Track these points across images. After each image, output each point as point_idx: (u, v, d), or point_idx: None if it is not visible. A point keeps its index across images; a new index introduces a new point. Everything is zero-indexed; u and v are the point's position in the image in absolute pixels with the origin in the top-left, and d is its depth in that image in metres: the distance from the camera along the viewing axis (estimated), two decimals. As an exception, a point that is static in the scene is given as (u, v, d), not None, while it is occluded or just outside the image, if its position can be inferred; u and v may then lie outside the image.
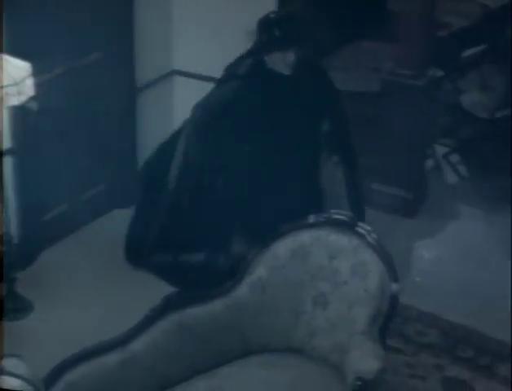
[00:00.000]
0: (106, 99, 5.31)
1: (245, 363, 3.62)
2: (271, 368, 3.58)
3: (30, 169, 4.90)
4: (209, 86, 5.60)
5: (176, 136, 4.37)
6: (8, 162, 4.70)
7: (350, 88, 5.43)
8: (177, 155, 4.26)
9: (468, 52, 6.46)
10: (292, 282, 3.73)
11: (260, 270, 3.74)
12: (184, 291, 3.62)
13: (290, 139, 4.10)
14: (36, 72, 4.29)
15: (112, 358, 3.35)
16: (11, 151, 4.69)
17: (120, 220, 5.42)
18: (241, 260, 3.78)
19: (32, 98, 4.27)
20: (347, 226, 3.74)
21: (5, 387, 2.71)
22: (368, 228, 3.72)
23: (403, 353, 4.47)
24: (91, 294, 4.72)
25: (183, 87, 5.68)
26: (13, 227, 4.73)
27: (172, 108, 5.73)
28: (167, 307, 3.51)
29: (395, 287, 3.61)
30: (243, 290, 3.71)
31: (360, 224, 3.74)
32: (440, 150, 6.33)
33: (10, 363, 2.85)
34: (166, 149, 4.37)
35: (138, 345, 3.41)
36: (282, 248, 3.75)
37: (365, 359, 3.38)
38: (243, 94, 4.09)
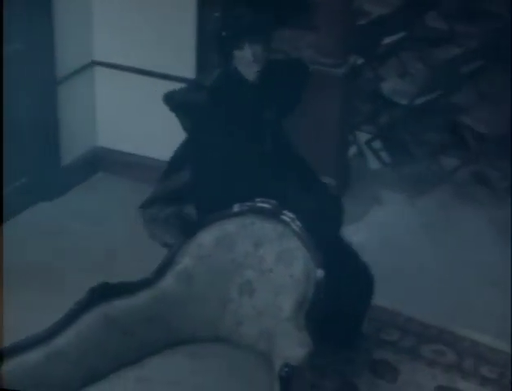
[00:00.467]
0: (26, 91, 5.23)
1: (173, 354, 3.61)
2: (199, 358, 3.59)
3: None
4: (129, 76, 5.59)
5: None
6: None
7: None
8: None
9: (387, 40, 6.54)
10: (218, 271, 3.74)
11: (185, 260, 3.73)
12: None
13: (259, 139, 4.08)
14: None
15: (36, 354, 3.30)
16: None
17: (43, 213, 5.38)
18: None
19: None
20: (272, 214, 3.76)
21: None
22: (293, 216, 3.75)
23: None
24: (14, 291, 4.65)
25: (103, 78, 5.63)
26: None
27: (93, 99, 5.68)
28: (92, 300, 3.48)
29: (320, 273, 3.64)
30: (169, 281, 3.70)
31: (285, 212, 3.76)
32: (363, 137, 6.41)
33: None
34: None
35: (62, 340, 3.37)
36: (207, 237, 3.76)
37: (292, 346, 3.41)
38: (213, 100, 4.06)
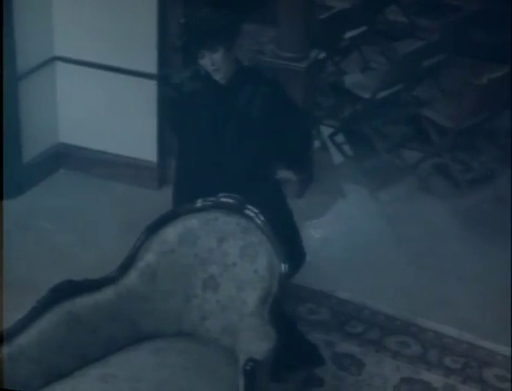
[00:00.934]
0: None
1: (137, 350, 3.60)
2: (164, 353, 3.58)
3: None
4: (91, 72, 5.55)
5: None
6: None
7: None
8: None
9: (349, 34, 6.57)
10: (181, 266, 3.73)
11: (149, 257, 3.72)
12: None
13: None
14: None
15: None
16: None
17: (5, 211, 5.33)
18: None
19: None
20: (235, 209, 3.76)
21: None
22: (256, 210, 3.75)
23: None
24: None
25: (65, 73, 5.59)
26: None
27: (55, 95, 5.64)
28: (55, 297, 3.46)
29: (283, 267, 3.65)
30: (132, 277, 3.69)
31: (248, 206, 3.76)
32: (326, 131, 6.43)
33: None
34: None
35: (25, 338, 3.35)
36: (170, 233, 3.75)
37: (256, 340, 3.41)
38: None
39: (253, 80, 4.03)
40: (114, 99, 5.57)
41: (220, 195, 3.82)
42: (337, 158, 6.29)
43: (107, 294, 3.60)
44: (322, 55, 6.09)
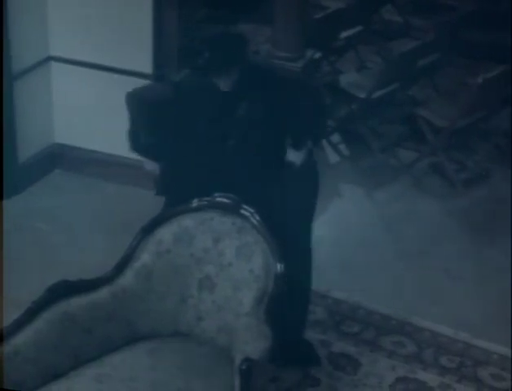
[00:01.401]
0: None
1: (133, 350, 3.60)
2: (159, 354, 3.58)
3: None
4: (86, 72, 5.54)
5: None
6: None
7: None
8: None
9: (345, 34, 6.57)
10: (177, 266, 3.73)
11: (144, 257, 3.72)
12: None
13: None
14: None
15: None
16: None
17: (0, 211, 5.32)
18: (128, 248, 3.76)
19: None
20: (231, 209, 3.76)
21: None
22: (252, 210, 3.75)
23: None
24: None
25: (60, 73, 5.59)
26: None
27: (50, 95, 5.64)
28: (50, 298, 3.46)
29: (279, 267, 3.65)
30: (128, 277, 3.69)
31: (244, 206, 3.76)
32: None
33: None
34: None
35: (21, 339, 3.35)
36: (166, 233, 3.74)
37: (252, 340, 3.42)
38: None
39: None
40: (109, 99, 5.56)
41: (216, 194, 3.82)
42: (332, 158, 6.29)
43: (102, 294, 3.60)
44: (318, 55, 6.09)
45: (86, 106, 5.62)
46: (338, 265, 5.10)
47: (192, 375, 3.49)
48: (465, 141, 6.23)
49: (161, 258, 3.72)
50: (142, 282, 3.70)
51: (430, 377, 4.37)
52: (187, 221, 3.77)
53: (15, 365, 3.31)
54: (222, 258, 3.72)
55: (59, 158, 5.79)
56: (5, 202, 5.42)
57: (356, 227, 5.52)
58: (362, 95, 6.10)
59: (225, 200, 3.78)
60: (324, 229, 5.45)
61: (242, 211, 3.75)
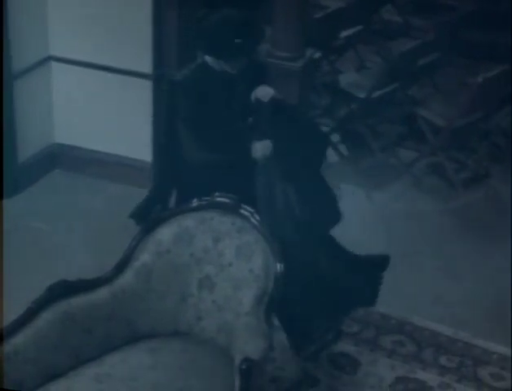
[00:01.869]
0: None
1: (133, 349, 3.61)
2: (160, 353, 3.58)
3: None
4: (86, 72, 5.55)
5: None
6: None
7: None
8: None
9: (344, 33, 6.57)
10: (177, 266, 3.73)
11: (144, 256, 3.72)
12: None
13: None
14: None
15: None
16: None
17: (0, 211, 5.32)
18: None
19: None
20: (231, 209, 3.76)
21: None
22: (252, 210, 3.75)
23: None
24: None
25: (60, 73, 5.59)
26: None
27: (50, 95, 5.64)
28: (50, 298, 3.46)
29: (279, 267, 3.65)
30: (128, 277, 3.69)
31: (244, 206, 3.76)
32: (321, 130, 6.42)
33: None
34: None
35: (20, 338, 3.35)
36: (166, 232, 3.75)
37: (251, 340, 3.42)
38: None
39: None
40: (109, 99, 5.56)
41: (216, 194, 3.82)
42: (332, 157, 6.29)
43: (102, 294, 3.61)
44: (317, 55, 6.09)
45: (86, 106, 5.62)
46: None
47: (191, 375, 3.49)
48: (465, 140, 6.22)
49: (161, 258, 3.72)
50: (142, 281, 3.71)
51: (429, 377, 4.38)
52: (187, 221, 3.77)
53: (15, 365, 3.32)
54: (222, 258, 3.72)
55: (59, 158, 5.79)
56: (5, 202, 5.42)
57: (355, 226, 5.51)
58: (362, 95, 6.09)
59: (225, 200, 3.78)
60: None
61: (242, 211, 3.75)
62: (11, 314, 3.47)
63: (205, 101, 3.94)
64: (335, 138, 6.42)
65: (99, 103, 5.59)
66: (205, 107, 3.94)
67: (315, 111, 6.41)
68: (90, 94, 5.58)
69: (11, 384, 3.29)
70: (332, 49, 6.62)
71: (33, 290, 3.55)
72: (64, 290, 3.52)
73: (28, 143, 5.57)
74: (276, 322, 3.86)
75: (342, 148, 6.36)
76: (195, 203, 3.80)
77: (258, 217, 3.73)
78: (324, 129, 6.37)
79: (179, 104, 3.97)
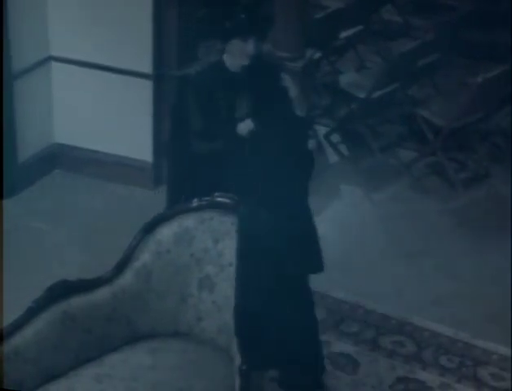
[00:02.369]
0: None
1: (133, 350, 3.61)
2: (160, 353, 3.58)
3: None
4: (87, 72, 5.55)
5: None
6: None
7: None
8: None
9: (345, 34, 6.57)
10: (177, 266, 3.73)
11: (144, 257, 3.72)
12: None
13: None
14: None
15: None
16: None
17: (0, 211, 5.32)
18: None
19: None
20: (231, 209, 3.76)
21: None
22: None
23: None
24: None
25: (60, 73, 5.59)
26: None
27: (50, 95, 5.64)
28: (50, 298, 3.46)
29: (278, 266, 3.65)
30: (128, 277, 3.69)
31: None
32: (321, 130, 6.42)
33: None
34: None
35: (20, 339, 3.35)
36: (166, 233, 3.74)
37: (251, 340, 3.42)
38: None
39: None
40: (109, 99, 5.56)
41: (216, 194, 3.82)
42: (332, 157, 6.29)
43: (102, 294, 3.61)
44: (317, 55, 6.10)
45: (85, 106, 5.62)
46: (338, 265, 5.10)
47: (192, 375, 3.49)
48: (465, 141, 6.23)
49: (161, 258, 3.72)
50: (142, 282, 3.70)
51: (430, 377, 4.38)
52: (187, 221, 3.77)
53: (15, 365, 3.32)
54: (222, 258, 3.72)
55: (59, 158, 5.79)
56: (5, 202, 5.42)
57: (355, 227, 5.51)
58: (362, 95, 6.10)
59: (225, 200, 3.78)
60: (323, 228, 5.44)
61: (242, 211, 3.75)
62: (11, 314, 3.46)
63: (213, 97, 3.99)
64: (335, 138, 6.42)
65: (99, 103, 5.59)
66: (212, 102, 4.00)
67: (316, 111, 6.42)
68: (90, 94, 5.58)
69: (11, 384, 3.29)
70: (332, 49, 6.63)
71: (33, 290, 3.55)
72: (64, 290, 3.52)
73: (28, 143, 5.57)
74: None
75: (342, 148, 6.36)
76: (195, 203, 3.80)
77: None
78: (324, 129, 6.43)
79: (190, 98, 4.03)
